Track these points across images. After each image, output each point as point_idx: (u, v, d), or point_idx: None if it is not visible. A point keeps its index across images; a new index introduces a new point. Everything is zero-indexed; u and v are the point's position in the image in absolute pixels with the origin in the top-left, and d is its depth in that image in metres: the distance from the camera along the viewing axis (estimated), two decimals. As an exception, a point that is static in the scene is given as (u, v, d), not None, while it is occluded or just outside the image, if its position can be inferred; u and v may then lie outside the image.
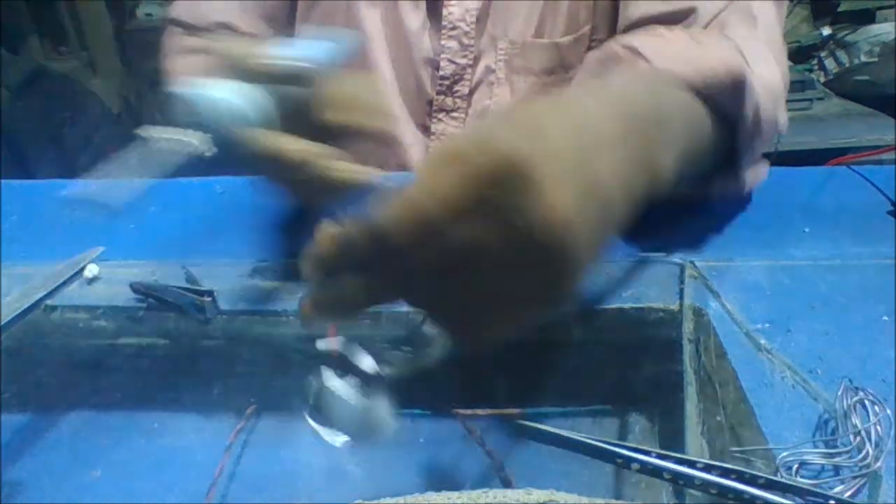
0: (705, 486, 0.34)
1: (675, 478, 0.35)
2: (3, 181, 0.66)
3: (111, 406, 0.44)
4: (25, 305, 0.47)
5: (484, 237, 0.29)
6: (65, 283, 0.50)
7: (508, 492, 0.36)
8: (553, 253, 0.29)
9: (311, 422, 0.34)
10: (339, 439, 0.34)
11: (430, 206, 0.29)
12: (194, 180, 0.63)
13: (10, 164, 1.74)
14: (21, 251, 0.55)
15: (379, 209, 0.30)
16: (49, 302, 0.49)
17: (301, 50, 0.46)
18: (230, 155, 0.43)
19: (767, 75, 0.51)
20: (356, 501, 0.36)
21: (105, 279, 0.51)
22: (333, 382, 0.33)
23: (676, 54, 0.49)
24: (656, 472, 0.35)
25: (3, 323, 0.45)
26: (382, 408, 0.34)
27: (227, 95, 0.42)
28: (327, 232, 0.32)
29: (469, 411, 0.42)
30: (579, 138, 0.32)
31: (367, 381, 0.34)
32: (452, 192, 0.29)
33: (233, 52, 0.44)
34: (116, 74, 2.24)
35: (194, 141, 0.42)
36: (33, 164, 1.80)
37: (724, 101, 0.47)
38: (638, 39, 0.52)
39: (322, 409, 0.34)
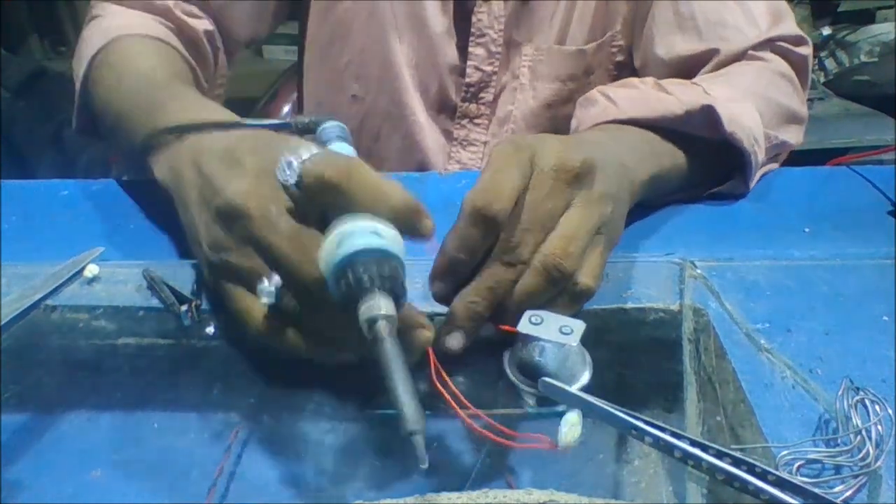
0: (712, 470, 0.34)
1: (685, 457, 0.35)
2: (3, 181, 0.66)
3: (111, 406, 0.44)
4: (25, 305, 0.47)
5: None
6: (65, 283, 0.50)
7: (508, 492, 0.36)
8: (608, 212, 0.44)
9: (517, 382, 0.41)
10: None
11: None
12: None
13: (10, 164, 1.73)
14: (21, 251, 0.55)
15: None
16: (49, 302, 0.49)
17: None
18: None
19: (737, 111, 0.59)
20: (356, 502, 0.36)
21: (105, 279, 0.51)
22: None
23: (640, 100, 0.60)
24: (668, 448, 0.36)
25: (3, 323, 0.45)
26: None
27: None
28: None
29: (469, 411, 0.42)
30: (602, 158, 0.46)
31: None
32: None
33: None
34: (116, 74, 2.23)
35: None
36: (33, 164, 1.79)
37: (694, 128, 0.58)
38: (612, 89, 0.63)
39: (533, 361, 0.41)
